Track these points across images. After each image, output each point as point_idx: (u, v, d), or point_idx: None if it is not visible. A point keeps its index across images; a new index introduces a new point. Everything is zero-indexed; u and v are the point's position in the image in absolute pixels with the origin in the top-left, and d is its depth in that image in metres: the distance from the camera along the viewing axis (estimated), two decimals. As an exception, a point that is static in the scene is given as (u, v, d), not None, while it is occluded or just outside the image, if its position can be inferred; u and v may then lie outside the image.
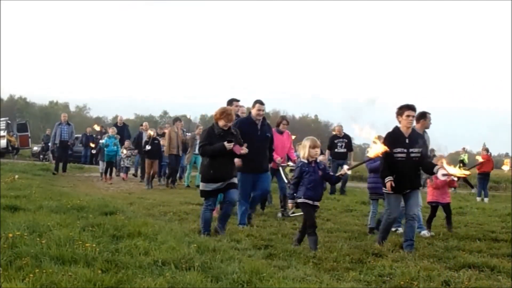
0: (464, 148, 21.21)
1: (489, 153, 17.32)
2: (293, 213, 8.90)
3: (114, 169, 16.25)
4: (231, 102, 8.45)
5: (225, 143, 6.40)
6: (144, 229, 5.96)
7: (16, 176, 11.89)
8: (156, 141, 14.47)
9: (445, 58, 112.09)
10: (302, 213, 8.73)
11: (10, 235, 4.99)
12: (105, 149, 15.39)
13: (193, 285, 4.06)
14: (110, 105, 79.75)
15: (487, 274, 5.22)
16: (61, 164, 17.00)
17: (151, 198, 11.09)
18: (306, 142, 6.17)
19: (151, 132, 14.71)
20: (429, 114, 7.66)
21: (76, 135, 26.61)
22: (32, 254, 4.45)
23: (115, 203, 8.54)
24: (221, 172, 6.53)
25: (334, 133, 15.26)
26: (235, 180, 6.74)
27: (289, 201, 6.34)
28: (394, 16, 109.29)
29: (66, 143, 17.00)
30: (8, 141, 25.13)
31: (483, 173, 16.21)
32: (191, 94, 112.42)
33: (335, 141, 14.57)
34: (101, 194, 11.50)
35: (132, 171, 17.52)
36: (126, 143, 16.25)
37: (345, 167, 6.43)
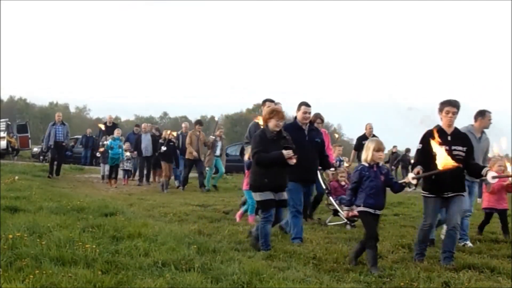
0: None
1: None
2: (330, 221, 8.54)
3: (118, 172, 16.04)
4: (264, 103, 8.14)
5: (284, 151, 5.84)
6: (144, 230, 5.96)
7: (16, 177, 11.91)
8: (171, 143, 14.04)
9: (445, 58, 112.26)
10: (340, 222, 8.47)
11: (10, 236, 5.00)
12: (110, 151, 15.15)
13: (193, 286, 4.06)
14: (110, 106, 79.66)
15: (487, 275, 5.22)
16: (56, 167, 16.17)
17: (151, 199, 11.12)
18: (370, 144, 5.51)
19: (168, 131, 14.46)
20: (489, 112, 6.72)
21: (76, 136, 26.75)
22: (32, 255, 4.46)
23: (115, 204, 8.54)
24: (276, 182, 5.95)
25: (364, 132, 13.49)
26: (286, 195, 6.17)
27: (345, 208, 5.62)
28: (394, 17, 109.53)
29: (61, 144, 16.08)
30: (8, 142, 25.11)
31: None
32: (191, 94, 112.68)
33: (364, 142, 12.86)
34: (101, 195, 11.51)
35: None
36: (126, 145, 16.13)
37: (410, 175, 5.39)
